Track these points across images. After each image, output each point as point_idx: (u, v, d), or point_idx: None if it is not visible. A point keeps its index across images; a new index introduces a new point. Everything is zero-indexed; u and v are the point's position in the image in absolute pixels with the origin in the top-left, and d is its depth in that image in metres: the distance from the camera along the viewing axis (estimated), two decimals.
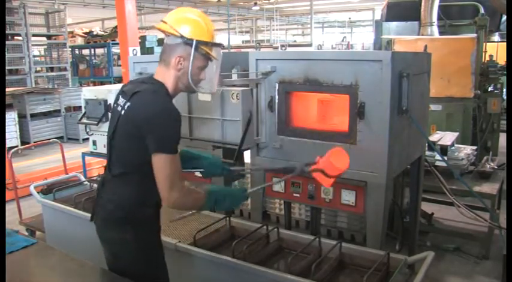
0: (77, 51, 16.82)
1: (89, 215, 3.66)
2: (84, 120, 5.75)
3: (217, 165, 2.66)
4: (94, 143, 5.84)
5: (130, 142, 2.19)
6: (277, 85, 3.28)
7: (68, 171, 5.74)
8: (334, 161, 2.28)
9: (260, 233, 3.07)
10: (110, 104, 5.47)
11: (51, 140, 6.97)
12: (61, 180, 4.84)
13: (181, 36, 2.16)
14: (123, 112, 2.20)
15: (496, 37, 9.48)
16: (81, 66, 16.71)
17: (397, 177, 4.02)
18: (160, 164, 2.10)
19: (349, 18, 28.50)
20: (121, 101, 2.26)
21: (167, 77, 2.23)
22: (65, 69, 13.94)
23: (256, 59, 3.37)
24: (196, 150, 2.78)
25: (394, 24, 7.60)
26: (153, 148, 2.10)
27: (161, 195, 2.15)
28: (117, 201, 2.26)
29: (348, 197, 3.07)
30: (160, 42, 15.68)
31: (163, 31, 2.23)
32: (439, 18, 7.17)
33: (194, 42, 2.16)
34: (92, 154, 6.03)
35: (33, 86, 11.97)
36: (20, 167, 7.86)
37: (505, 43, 8.88)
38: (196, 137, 3.47)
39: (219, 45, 2.33)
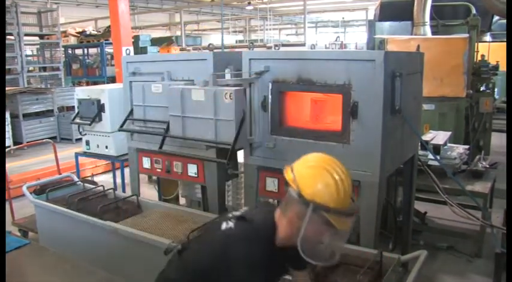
0: (70, 51, 16.71)
1: (82, 215, 3.68)
2: (77, 120, 5.74)
3: None
4: (87, 143, 5.83)
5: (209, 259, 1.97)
6: (270, 85, 3.28)
7: (61, 172, 5.71)
8: None
9: None
10: (103, 103, 5.46)
11: (44, 140, 6.93)
12: (54, 181, 4.81)
13: (299, 194, 1.78)
14: (223, 226, 1.96)
15: (487, 37, 9.54)
16: (74, 66, 16.60)
17: (390, 177, 4.03)
18: None
19: (343, 18, 28.59)
20: (231, 214, 2.03)
21: (281, 225, 1.91)
22: (58, 69, 13.88)
23: (250, 59, 3.37)
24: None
25: (387, 24, 7.62)
26: None
27: None
28: None
29: None
30: (153, 41, 15.63)
31: (286, 179, 1.87)
32: (432, 18, 7.20)
33: (312, 206, 1.76)
34: (85, 154, 6.02)
35: (26, 85, 11.91)
36: (12, 167, 7.82)
37: (497, 43, 8.96)
38: (190, 136, 3.47)
39: (348, 214, 1.82)
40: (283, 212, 1.90)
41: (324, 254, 1.90)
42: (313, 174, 1.82)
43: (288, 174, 1.86)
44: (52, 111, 11.16)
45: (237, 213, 2.01)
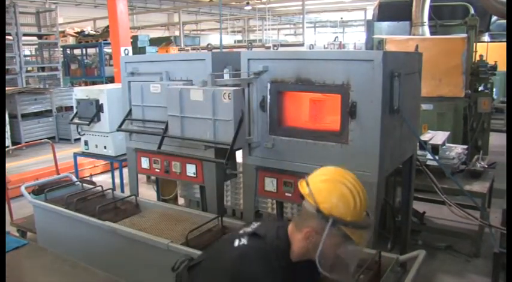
0: (68, 51, 16.71)
1: (81, 215, 3.68)
2: (76, 120, 5.73)
3: None
4: (86, 143, 5.83)
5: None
6: (269, 85, 3.28)
7: (60, 172, 5.71)
8: None
9: None
10: (101, 104, 5.46)
11: (42, 140, 6.93)
12: (53, 181, 4.81)
13: (317, 209, 1.76)
14: (236, 243, 1.90)
15: (486, 37, 9.56)
16: (73, 66, 16.62)
17: (389, 177, 4.04)
18: None
19: (341, 18, 28.59)
20: (242, 231, 1.98)
21: (296, 240, 1.87)
22: (57, 69, 13.86)
23: (248, 59, 3.37)
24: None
25: (385, 24, 7.62)
26: None
27: None
28: None
29: None
30: (152, 42, 15.62)
31: (301, 192, 1.85)
32: (430, 18, 7.21)
33: (331, 221, 1.74)
34: (83, 154, 6.03)
35: (24, 85, 11.90)
36: (11, 167, 7.81)
37: (495, 43, 8.97)
38: (188, 136, 3.47)
39: (365, 228, 1.83)
40: (297, 226, 1.87)
41: (340, 267, 1.88)
42: (330, 188, 1.80)
43: (303, 188, 1.83)
44: (50, 111, 11.16)
45: (249, 229, 1.96)
